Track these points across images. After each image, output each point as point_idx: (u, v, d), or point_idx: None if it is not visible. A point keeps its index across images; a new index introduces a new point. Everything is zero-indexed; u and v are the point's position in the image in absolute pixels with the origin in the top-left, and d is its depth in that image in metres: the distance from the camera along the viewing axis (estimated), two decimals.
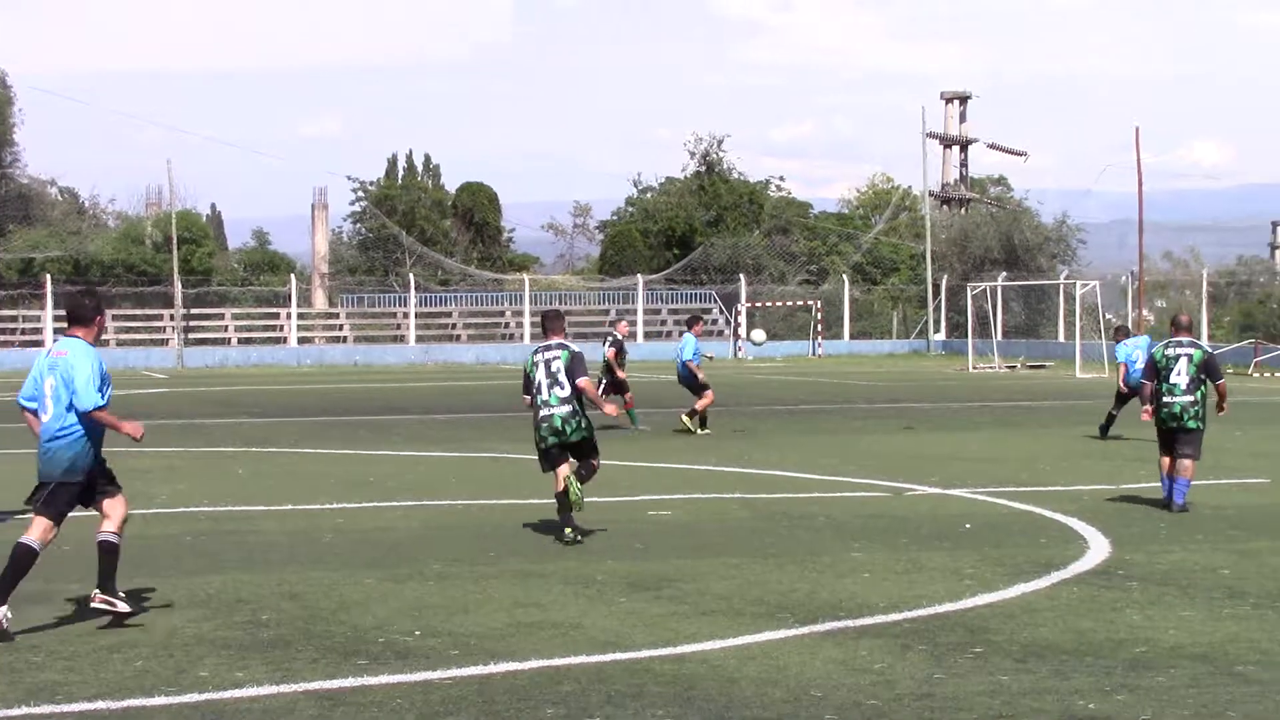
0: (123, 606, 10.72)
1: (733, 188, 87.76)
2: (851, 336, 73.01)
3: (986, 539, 14.52)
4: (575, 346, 14.96)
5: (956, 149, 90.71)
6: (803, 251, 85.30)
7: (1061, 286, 62.39)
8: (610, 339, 27.59)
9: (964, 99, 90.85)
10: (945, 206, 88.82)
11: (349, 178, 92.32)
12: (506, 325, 74.64)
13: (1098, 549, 13.84)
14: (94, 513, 11.03)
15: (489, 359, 65.84)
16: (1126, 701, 8.63)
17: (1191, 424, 16.69)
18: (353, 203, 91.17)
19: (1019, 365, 56.99)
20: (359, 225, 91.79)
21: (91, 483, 10.78)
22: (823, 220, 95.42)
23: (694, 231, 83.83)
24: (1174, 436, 16.75)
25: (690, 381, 27.50)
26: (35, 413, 10.88)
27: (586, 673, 9.36)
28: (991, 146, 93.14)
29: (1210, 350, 17.40)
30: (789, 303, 75.45)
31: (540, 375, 14.79)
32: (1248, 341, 57.13)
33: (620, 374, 27.02)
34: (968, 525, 15.46)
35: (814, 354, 69.75)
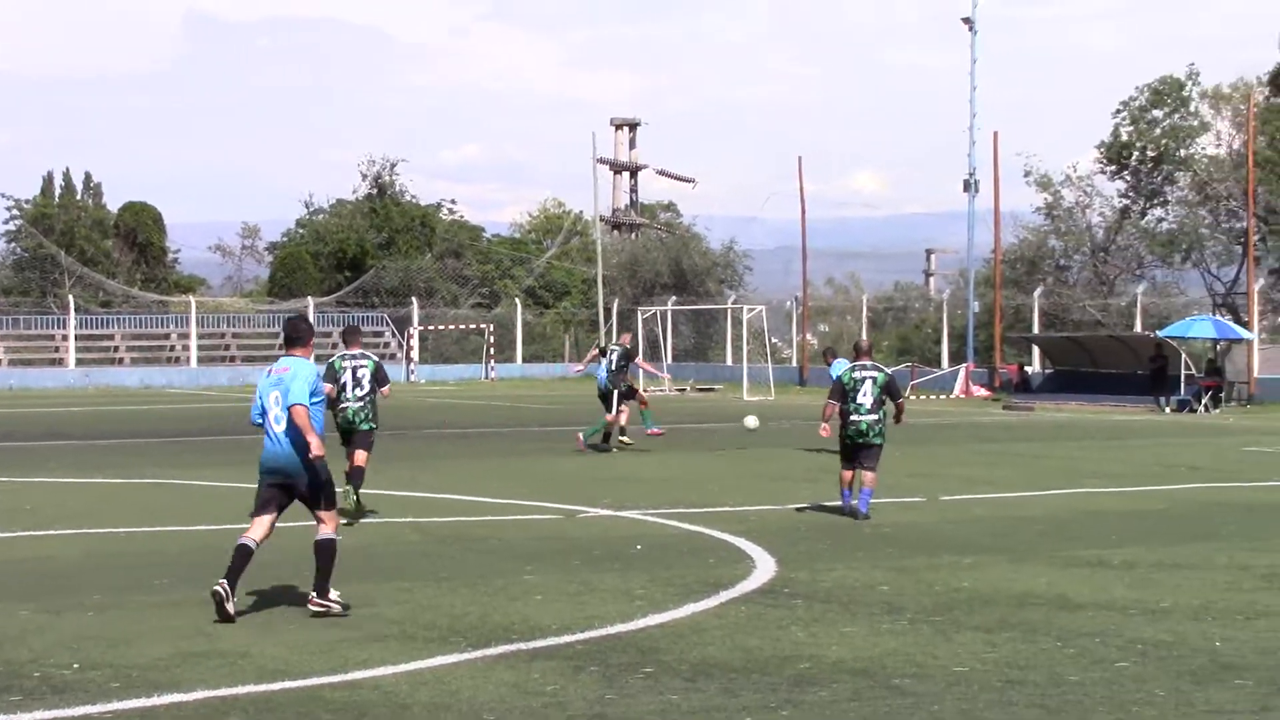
0: (336, 608, 11.91)
1: (405, 210, 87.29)
2: (524, 360, 73.35)
3: (657, 560, 14.71)
4: (375, 357, 18.64)
5: (627, 175, 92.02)
6: (475, 275, 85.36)
7: (729, 311, 63.78)
8: (619, 350, 29.55)
9: (634, 126, 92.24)
10: (616, 231, 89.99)
11: (2, 195, 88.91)
12: (172, 348, 72.80)
13: (764, 568, 14.16)
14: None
15: (154, 382, 64.12)
16: (791, 717, 8.83)
17: (876, 439, 18.31)
18: (6, 221, 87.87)
19: (689, 388, 58.04)
20: (14, 244, 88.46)
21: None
22: (496, 244, 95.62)
23: (365, 254, 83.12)
24: (859, 451, 18.23)
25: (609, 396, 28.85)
26: (264, 427, 12.20)
27: (255, 702, 9.17)
28: (660, 173, 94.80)
29: (890, 373, 18.86)
30: (461, 326, 75.41)
31: (347, 378, 18.17)
32: (904, 365, 59.27)
33: (627, 379, 29.67)
34: (639, 546, 15.64)
35: (487, 377, 69.85)
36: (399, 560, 14.89)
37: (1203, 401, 44.57)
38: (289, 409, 11.93)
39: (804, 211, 63.13)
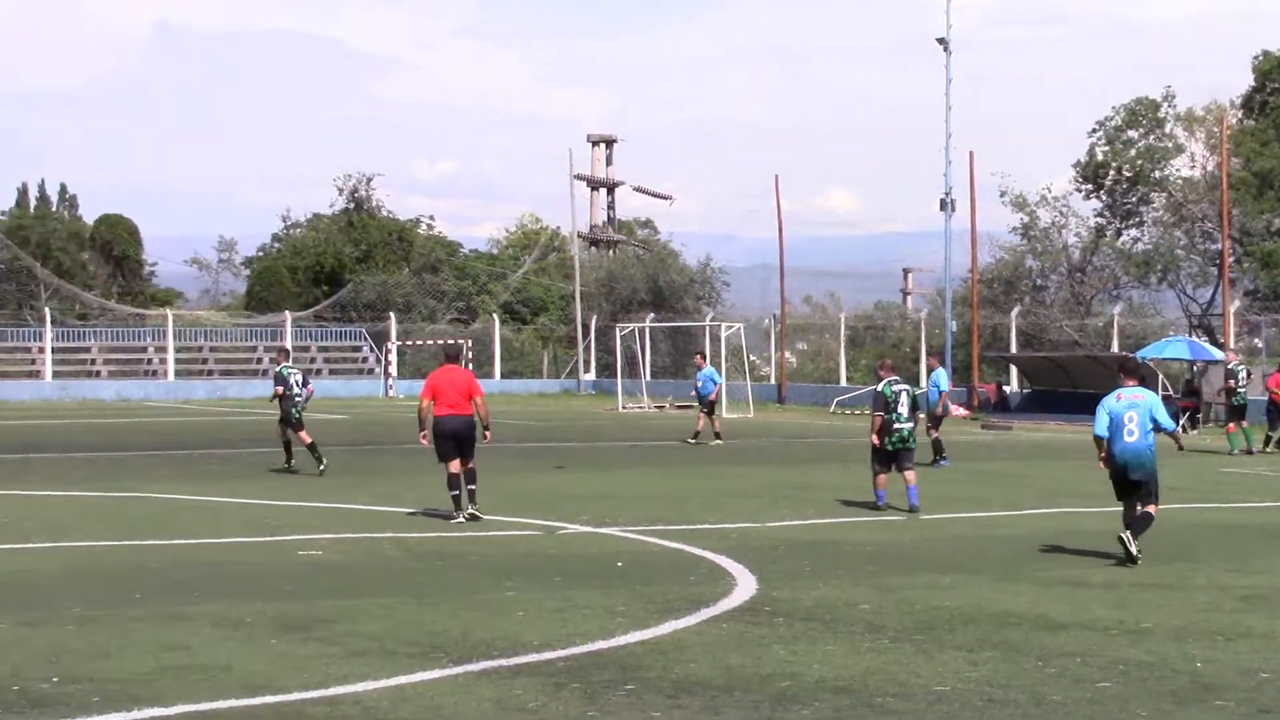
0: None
1: (382, 225, 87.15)
2: (502, 376, 73.26)
3: (638, 576, 14.70)
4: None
5: (604, 191, 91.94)
6: (452, 290, 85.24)
7: (707, 328, 63.76)
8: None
9: (610, 142, 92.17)
10: (594, 248, 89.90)
11: None
12: (150, 361, 72.54)
13: (745, 586, 14.15)
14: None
15: (131, 396, 63.85)
16: None
17: (913, 443, 20.97)
18: None
19: (667, 405, 57.97)
20: None
21: None
22: (473, 260, 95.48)
23: (343, 268, 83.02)
24: (899, 455, 20.66)
25: None
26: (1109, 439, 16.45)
27: (236, 717, 9.15)
28: (638, 190, 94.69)
29: (917, 389, 21.84)
30: (439, 341, 75.25)
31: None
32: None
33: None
34: (620, 563, 15.63)
35: None
36: (379, 576, 14.86)
37: (1180, 422, 44.68)
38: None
39: (781, 229, 63.22)
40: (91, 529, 18.26)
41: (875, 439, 20.89)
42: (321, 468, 25.78)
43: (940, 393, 30.42)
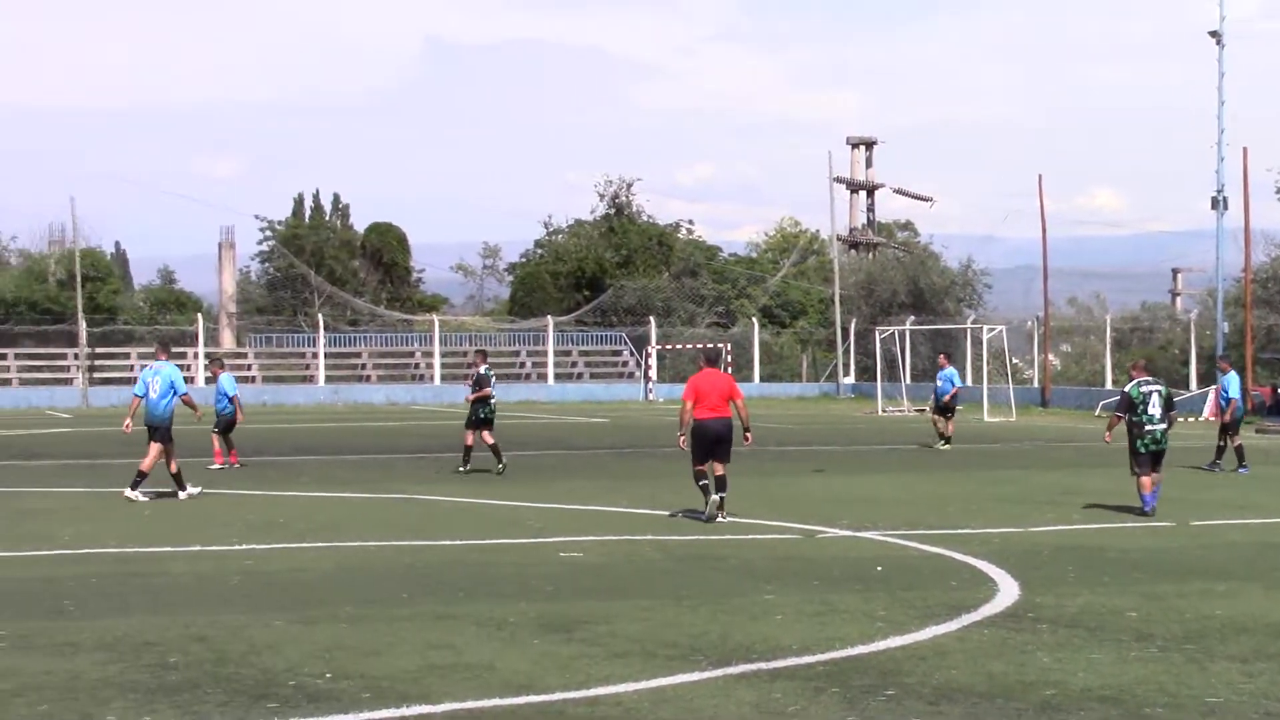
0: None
1: (642, 230, 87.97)
2: (761, 379, 73.33)
3: (897, 581, 14.58)
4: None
5: (863, 194, 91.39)
6: (711, 294, 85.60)
7: (969, 330, 62.94)
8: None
9: (869, 145, 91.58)
10: (853, 250, 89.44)
11: (256, 216, 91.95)
12: (417, 366, 74.36)
13: (1007, 592, 13.94)
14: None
15: (399, 400, 65.52)
16: None
17: (1165, 444, 20.68)
18: (260, 242, 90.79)
19: (928, 409, 57.34)
20: (267, 265, 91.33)
21: None
22: (732, 263, 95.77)
23: (604, 273, 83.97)
24: (1155, 457, 20.40)
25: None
26: None
27: (500, 715, 9.31)
28: (898, 192, 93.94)
29: (1169, 388, 21.16)
30: (698, 345, 75.66)
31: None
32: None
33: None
34: (879, 568, 15.52)
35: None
36: (639, 578, 14.99)
37: None
38: None
39: (1044, 229, 62.10)
40: (362, 529, 18.78)
41: (1108, 436, 21.30)
42: (465, 469, 27.18)
43: (1229, 399, 28.91)
